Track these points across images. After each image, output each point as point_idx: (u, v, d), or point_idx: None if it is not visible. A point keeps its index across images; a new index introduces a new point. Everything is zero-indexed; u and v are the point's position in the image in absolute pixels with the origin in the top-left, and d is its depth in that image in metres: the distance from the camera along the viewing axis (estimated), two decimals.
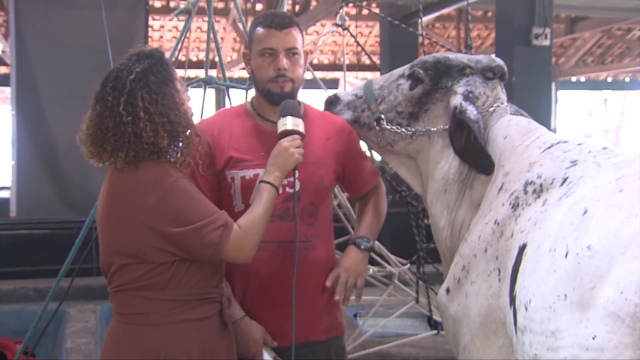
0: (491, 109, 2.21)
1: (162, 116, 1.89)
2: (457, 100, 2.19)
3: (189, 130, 1.97)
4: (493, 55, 2.31)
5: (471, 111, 2.14)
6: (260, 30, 2.20)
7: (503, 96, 2.27)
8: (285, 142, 2.06)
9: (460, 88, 2.22)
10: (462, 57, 2.29)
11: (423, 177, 2.35)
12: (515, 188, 1.89)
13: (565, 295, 1.42)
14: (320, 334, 2.28)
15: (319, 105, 2.50)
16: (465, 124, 2.12)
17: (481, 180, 2.12)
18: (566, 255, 1.46)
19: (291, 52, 2.19)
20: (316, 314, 2.26)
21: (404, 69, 2.37)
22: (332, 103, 2.50)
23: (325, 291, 2.26)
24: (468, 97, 2.19)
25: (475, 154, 2.09)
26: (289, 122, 2.10)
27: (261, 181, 2.04)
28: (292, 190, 2.16)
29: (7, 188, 8.31)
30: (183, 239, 1.87)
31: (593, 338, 1.33)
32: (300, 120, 2.12)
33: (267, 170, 2.05)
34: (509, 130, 2.10)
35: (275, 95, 2.20)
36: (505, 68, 2.29)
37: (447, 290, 2.06)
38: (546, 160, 1.87)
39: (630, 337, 1.28)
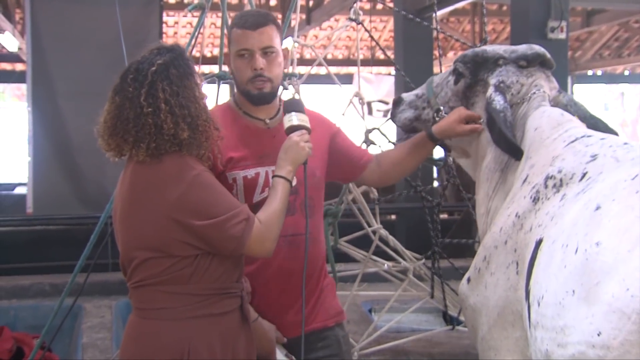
0: (527, 97, 2.21)
1: (182, 108, 1.91)
2: (489, 91, 2.23)
3: (208, 124, 1.98)
4: (534, 45, 2.32)
5: (497, 101, 2.18)
6: (236, 31, 2.22)
7: (543, 83, 2.25)
8: (295, 136, 2.08)
9: (493, 79, 2.25)
10: (499, 48, 2.34)
11: (475, 167, 2.39)
12: (537, 181, 1.90)
13: (573, 291, 1.42)
14: (326, 320, 2.33)
15: (334, 100, 2.52)
16: (491, 115, 2.17)
17: (513, 170, 2.14)
18: (576, 251, 1.46)
19: (267, 51, 2.20)
20: (319, 302, 2.32)
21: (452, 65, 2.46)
22: (396, 103, 2.62)
23: (324, 279, 2.35)
24: (499, 87, 2.22)
25: (502, 142, 2.14)
26: (294, 118, 2.12)
27: (274, 175, 2.06)
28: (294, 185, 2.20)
29: (24, 184, 8.37)
30: (207, 231, 1.88)
31: (598, 334, 1.32)
32: (305, 116, 2.15)
33: (278, 165, 2.07)
34: (541, 122, 2.11)
35: (254, 97, 2.23)
36: (546, 55, 2.28)
37: (468, 280, 2.08)
38: (568, 154, 1.87)
39: (637, 334, 1.27)
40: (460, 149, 2.46)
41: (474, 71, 2.31)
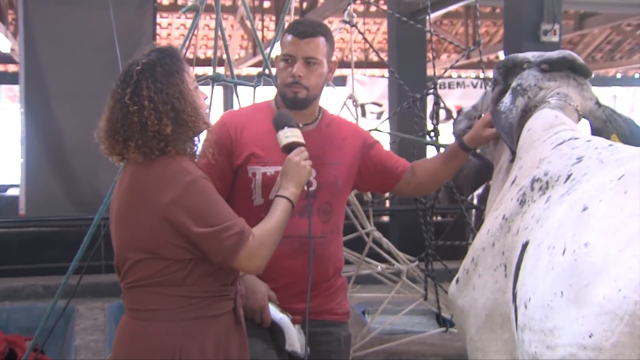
0: (545, 101, 2.19)
1: (165, 104, 1.90)
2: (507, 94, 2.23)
3: (196, 119, 1.96)
4: (565, 50, 2.29)
5: (504, 104, 2.18)
6: (286, 36, 2.33)
7: (570, 90, 2.20)
8: (294, 157, 2.09)
9: (514, 82, 2.25)
10: (529, 53, 2.33)
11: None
12: (523, 183, 1.90)
13: (562, 293, 1.41)
14: (332, 315, 2.40)
15: (327, 102, 2.54)
16: (493, 115, 2.19)
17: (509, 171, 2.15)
18: (564, 252, 1.46)
19: (309, 61, 2.29)
20: (329, 299, 2.38)
21: None
22: (458, 113, 2.73)
23: (337, 279, 2.42)
24: (514, 89, 2.22)
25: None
26: (289, 135, 2.13)
27: (277, 195, 2.05)
28: (311, 189, 2.26)
29: (17, 186, 8.34)
30: (198, 239, 1.87)
31: (590, 336, 1.31)
32: (297, 130, 2.16)
33: (282, 186, 2.06)
34: (534, 123, 2.12)
35: (288, 100, 2.32)
36: (577, 61, 2.22)
37: (457, 281, 2.08)
38: (555, 157, 1.88)
39: (629, 336, 1.26)
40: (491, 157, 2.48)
41: (506, 76, 2.33)
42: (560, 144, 1.93)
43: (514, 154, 2.11)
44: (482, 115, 2.44)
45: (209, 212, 1.88)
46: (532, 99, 2.20)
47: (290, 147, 2.11)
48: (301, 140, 2.13)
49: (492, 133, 2.32)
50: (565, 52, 2.26)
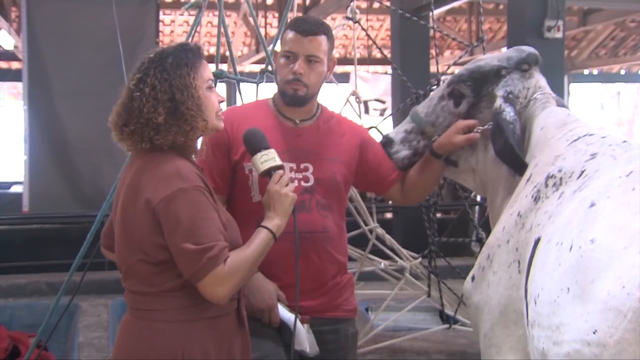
0: (532, 98, 2.21)
1: (165, 94, 1.88)
2: (497, 102, 2.21)
3: (194, 112, 1.91)
4: (521, 47, 2.31)
5: (508, 112, 2.17)
6: (288, 32, 2.33)
7: (543, 83, 2.26)
8: (273, 186, 1.99)
9: (500, 90, 2.24)
10: (490, 59, 2.31)
11: (485, 184, 2.36)
12: (538, 180, 1.91)
13: (568, 289, 1.42)
14: (340, 312, 2.40)
15: (330, 99, 2.54)
16: (500, 125, 2.15)
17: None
18: (570, 248, 1.47)
19: (311, 59, 2.29)
20: (335, 295, 2.38)
21: (442, 90, 2.40)
22: (386, 145, 2.50)
23: (343, 275, 2.41)
24: (508, 98, 2.21)
25: (507, 154, 2.13)
26: (265, 160, 2.02)
27: (260, 225, 1.96)
28: (306, 185, 2.30)
29: (20, 183, 8.37)
30: (173, 251, 1.83)
31: (594, 332, 1.32)
32: (271, 150, 2.06)
33: (267, 216, 1.97)
34: (547, 122, 2.12)
35: (288, 97, 2.33)
36: (536, 53, 2.29)
37: (472, 278, 2.09)
38: (569, 153, 1.89)
39: (633, 332, 1.26)
40: (469, 170, 2.41)
41: (476, 88, 2.29)
42: (575, 140, 1.94)
43: (521, 164, 2.08)
44: (436, 137, 2.38)
45: (191, 228, 1.81)
46: (522, 104, 2.23)
47: (268, 172, 2.01)
48: (278, 162, 2.03)
49: (463, 139, 2.29)
50: (526, 48, 2.29)
